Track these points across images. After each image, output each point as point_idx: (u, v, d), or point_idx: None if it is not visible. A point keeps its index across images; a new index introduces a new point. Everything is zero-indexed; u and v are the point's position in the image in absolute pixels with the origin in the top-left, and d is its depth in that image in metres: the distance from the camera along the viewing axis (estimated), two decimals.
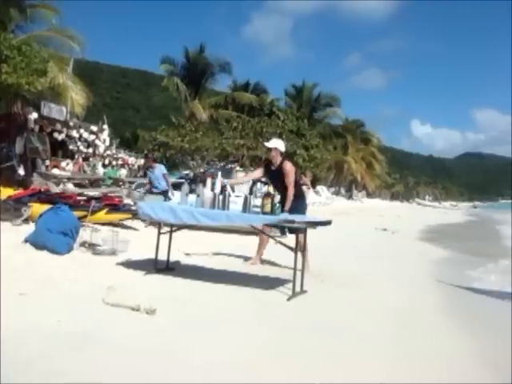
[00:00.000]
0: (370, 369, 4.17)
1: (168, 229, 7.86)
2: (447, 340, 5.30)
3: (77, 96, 24.61)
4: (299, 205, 8.47)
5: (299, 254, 6.88)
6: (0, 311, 4.56)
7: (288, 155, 29.09)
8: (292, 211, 7.76)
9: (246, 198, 7.40)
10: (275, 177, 8.51)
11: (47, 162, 22.61)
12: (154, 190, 13.45)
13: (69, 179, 20.87)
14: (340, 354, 4.51)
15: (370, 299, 7.08)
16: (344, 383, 3.80)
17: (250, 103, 45.47)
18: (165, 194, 13.34)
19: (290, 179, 8.35)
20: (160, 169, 13.84)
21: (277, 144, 8.66)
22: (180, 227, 8.02)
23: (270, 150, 8.64)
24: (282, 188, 8.41)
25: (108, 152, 32.09)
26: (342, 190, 67.32)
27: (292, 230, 7.49)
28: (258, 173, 8.90)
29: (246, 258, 9.45)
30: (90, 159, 28.91)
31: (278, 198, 8.34)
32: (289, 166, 8.45)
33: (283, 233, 8.58)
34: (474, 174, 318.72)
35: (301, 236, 7.82)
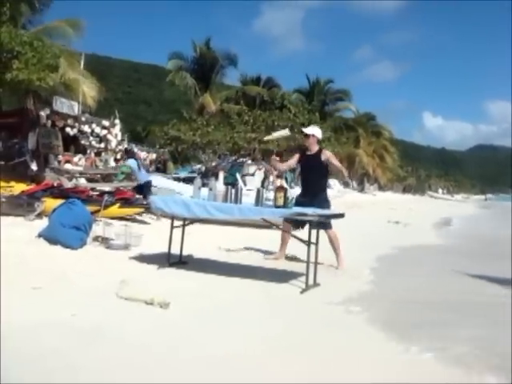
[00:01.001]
0: (381, 366, 4.15)
1: (181, 222, 7.85)
2: (460, 334, 5.26)
3: (88, 89, 24.67)
4: (326, 199, 8.52)
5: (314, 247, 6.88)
6: (0, 307, 4.57)
7: (300, 148, 29.23)
8: (320, 204, 7.82)
9: (258, 192, 7.39)
10: (309, 164, 8.58)
11: (60, 157, 22.67)
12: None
13: (81, 174, 20.91)
14: (351, 348, 4.51)
15: (385, 292, 7.07)
16: (355, 382, 3.78)
17: (261, 97, 45.46)
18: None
19: (336, 161, 8.61)
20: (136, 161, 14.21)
21: (314, 131, 8.74)
22: (193, 221, 8.03)
23: (307, 136, 8.67)
24: (312, 176, 8.50)
25: (120, 147, 32.13)
26: (354, 183, 67.11)
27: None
28: (295, 160, 8.93)
29: (260, 251, 9.47)
30: (102, 154, 28.95)
31: (292, 190, 8.32)
32: (329, 153, 8.73)
33: (297, 227, 8.53)
34: (486, 166, 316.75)
35: (330, 231, 8.20)
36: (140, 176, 13.97)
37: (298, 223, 7.75)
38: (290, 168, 9.61)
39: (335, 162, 8.54)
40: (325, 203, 8.31)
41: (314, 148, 8.61)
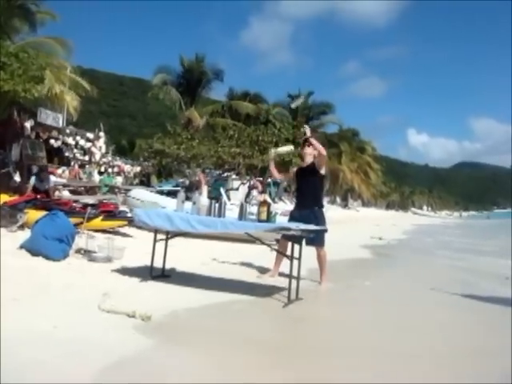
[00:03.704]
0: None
1: (164, 236, 7.84)
2: (436, 339, 5.32)
3: (71, 99, 24.67)
4: (319, 214, 8.41)
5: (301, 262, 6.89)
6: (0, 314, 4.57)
7: (283, 164, 29.22)
8: (316, 220, 7.84)
9: (241, 206, 7.42)
10: (304, 176, 8.41)
11: None
12: None
13: (64, 186, 20.87)
14: (330, 364, 4.53)
15: (367, 308, 7.12)
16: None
17: (247, 112, 45.45)
18: None
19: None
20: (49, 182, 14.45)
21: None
22: (176, 234, 8.03)
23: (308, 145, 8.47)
24: (308, 186, 8.36)
25: (104, 159, 32.11)
26: (338, 199, 67.34)
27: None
28: (291, 173, 8.89)
29: (244, 265, 9.49)
30: (86, 166, 28.91)
31: (276, 205, 8.30)
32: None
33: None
34: (470, 183, 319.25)
35: (321, 249, 8.27)
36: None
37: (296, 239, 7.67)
38: (285, 177, 9.51)
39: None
40: (322, 220, 8.24)
41: (309, 159, 8.46)
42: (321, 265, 8.43)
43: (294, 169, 8.82)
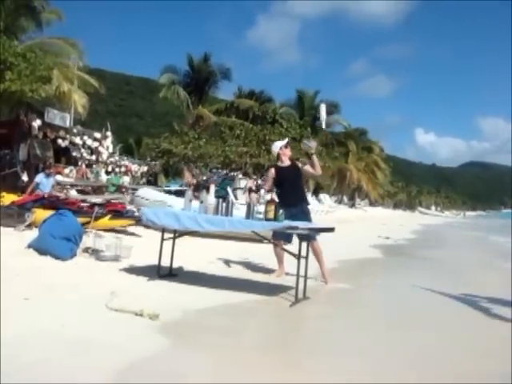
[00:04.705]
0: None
1: (171, 235, 7.84)
2: (439, 339, 5.31)
3: (79, 97, 24.73)
4: (307, 210, 8.49)
5: (301, 260, 6.87)
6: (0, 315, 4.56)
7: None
8: (305, 216, 7.85)
9: (249, 205, 7.40)
10: (287, 174, 8.46)
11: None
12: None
13: (72, 186, 20.88)
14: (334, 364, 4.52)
15: (375, 307, 7.11)
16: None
17: (253, 111, 45.37)
18: None
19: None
20: (54, 179, 14.61)
21: (277, 146, 8.83)
22: (183, 233, 8.01)
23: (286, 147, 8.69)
24: (293, 185, 8.39)
25: (111, 159, 32.07)
26: (345, 199, 67.17)
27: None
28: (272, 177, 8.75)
29: (251, 265, 9.48)
30: (93, 166, 28.89)
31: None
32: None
33: (289, 241, 8.40)
34: (478, 182, 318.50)
35: (315, 243, 8.16)
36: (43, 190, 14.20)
37: (286, 238, 7.73)
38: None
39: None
40: (310, 216, 8.33)
41: (288, 161, 8.60)
42: (318, 258, 8.40)
43: (272, 169, 8.74)
